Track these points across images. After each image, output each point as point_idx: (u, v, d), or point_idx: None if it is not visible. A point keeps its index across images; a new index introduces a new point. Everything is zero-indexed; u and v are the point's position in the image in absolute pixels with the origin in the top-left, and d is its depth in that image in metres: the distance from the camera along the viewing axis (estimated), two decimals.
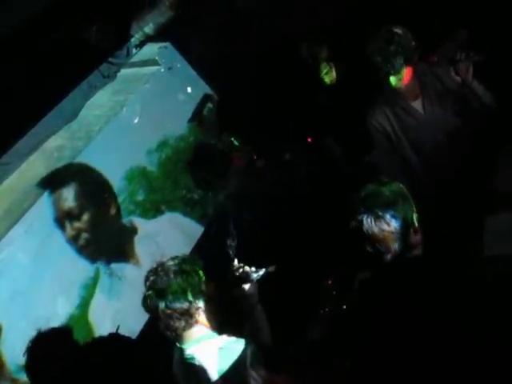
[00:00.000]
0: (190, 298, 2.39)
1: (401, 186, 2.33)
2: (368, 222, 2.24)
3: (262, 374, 2.38)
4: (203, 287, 2.45)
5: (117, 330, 3.33)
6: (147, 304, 2.43)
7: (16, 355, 3.29)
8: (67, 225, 3.76)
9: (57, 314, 3.51)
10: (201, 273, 2.47)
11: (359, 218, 2.26)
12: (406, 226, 2.25)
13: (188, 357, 2.44)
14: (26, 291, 3.47)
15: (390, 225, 2.23)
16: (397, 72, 3.13)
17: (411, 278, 2.22)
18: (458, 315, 2.05)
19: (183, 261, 2.47)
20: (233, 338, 2.47)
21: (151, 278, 2.42)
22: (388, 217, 2.23)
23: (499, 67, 3.26)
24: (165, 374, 2.67)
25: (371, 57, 3.13)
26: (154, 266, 2.47)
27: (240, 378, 2.38)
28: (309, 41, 4.22)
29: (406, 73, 3.16)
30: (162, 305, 2.37)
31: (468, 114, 3.26)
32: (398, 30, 3.12)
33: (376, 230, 2.23)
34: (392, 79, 3.17)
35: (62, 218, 3.75)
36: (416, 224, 2.29)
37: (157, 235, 4.17)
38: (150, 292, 2.41)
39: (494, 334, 1.99)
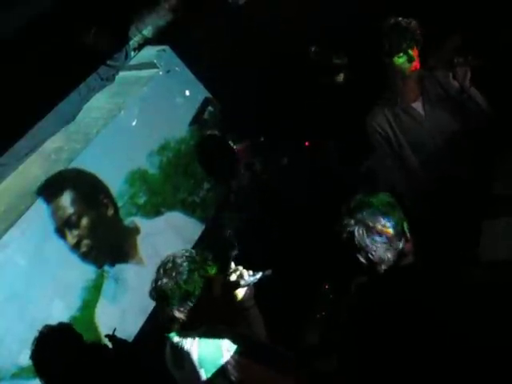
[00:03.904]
0: (197, 298, 2.42)
1: (389, 195, 2.33)
2: (359, 234, 2.22)
3: (239, 360, 2.41)
4: (210, 287, 2.47)
5: (113, 332, 3.33)
6: (152, 296, 2.48)
7: (12, 357, 3.28)
8: (68, 233, 3.78)
9: (54, 316, 3.50)
10: (211, 269, 2.51)
11: (350, 229, 2.23)
12: (397, 235, 2.25)
13: (175, 344, 2.50)
14: (23, 293, 3.47)
15: (382, 235, 2.23)
16: (409, 47, 3.13)
17: (408, 283, 2.22)
18: (454, 320, 2.05)
19: (194, 260, 2.48)
20: (214, 327, 2.50)
21: (161, 273, 2.45)
22: (379, 227, 2.22)
23: (498, 72, 3.27)
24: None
25: (385, 35, 3.13)
26: (165, 259, 2.49)
27: (218, 363, 2.42)
28: (317, 44, 4.23)
29: (414, 54, 3.15)
30: (167, 301, 2.42)
31: (467, 118, 3.27)
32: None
33: (368, 241, 2.22)
34: (401, 60, 3.16)
35: (62, 227, 3.76)
36: (407, 233, 2.29)
37: (156, 235, 4.18)
38: (158, 283, 2.44)
39: (492, 340, 1.99)
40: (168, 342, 2.57)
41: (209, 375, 2.43)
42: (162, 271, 2.47)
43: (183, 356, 2.48)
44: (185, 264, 2.46)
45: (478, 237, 2.84)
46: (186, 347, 2.47)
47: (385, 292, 2.25)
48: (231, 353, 2.42)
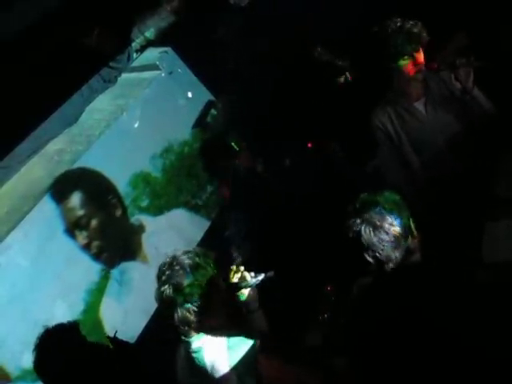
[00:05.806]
0: (207, 291, 2.41)
1: (394, 194, 2.32)
2: (366, 233, 2.21)
3: (271, 360, 2.42)
4: (216, 280, 2.48)
5: (115, 334, 3.33)
6: (162, 298, 2.43)
7: (15, 359, 3.28)
8: (78, 234, 3.77)
9: (57, 318, 3.49)
10: (213, 265, 2.51)
11: (357, 228, 2.23)
12: (404, 233, 2.24)
13: (195, 350, 2.46)
14: (26, 295, 3.46)
15: (389, 233, 2.22)
16: (414, 50, 3.12)
17: (411, 284, 2.21)
18: (457, 320, 2.04)
19: (196, 254, 2.49)
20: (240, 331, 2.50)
21: (167, 273, 2.43)
22: (386, 226, 2.21)
23: (500, 73, 3.26)
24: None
25: (390, 38, 3.12)
26: (167, 260, 2.48)
27: (249, 370, 2.42)
28: (320, 45, 4.23)
29: (419, 56, 3.15)
30: (179, 299, 2.39)
31: (469, 119, 3.28)
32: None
33: (375, 240, 2.21)
34: (406, 62, 3.16)
35: (72, 229, 3.76)
36: (414, 230, 2.28)
37: (160, 234, 4.19)
38: (165, 286, 2.41)
39: (494, 340, 1.98)
40: (183, 347, 2.54)
41: (241, 377, 2.41)
42: (163, 267, 2.47)
43: (206, 363, 2.43)
44: (184, 256, 2.47)
45: (480, 238, 2.84)
46: (210, 354, 2.43)
47: (390, 292, 2.24)
48: (261, 354, 2.41)
